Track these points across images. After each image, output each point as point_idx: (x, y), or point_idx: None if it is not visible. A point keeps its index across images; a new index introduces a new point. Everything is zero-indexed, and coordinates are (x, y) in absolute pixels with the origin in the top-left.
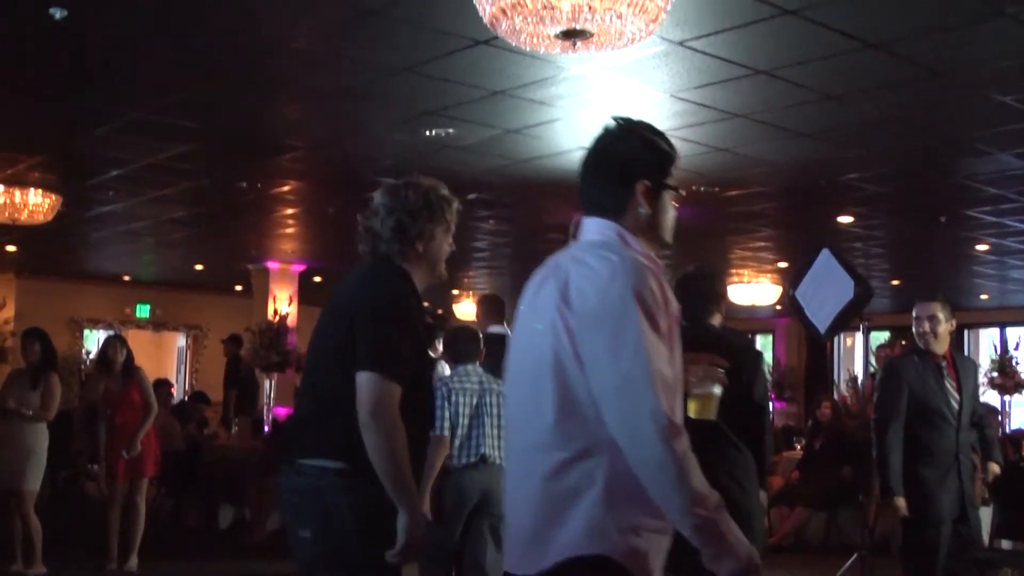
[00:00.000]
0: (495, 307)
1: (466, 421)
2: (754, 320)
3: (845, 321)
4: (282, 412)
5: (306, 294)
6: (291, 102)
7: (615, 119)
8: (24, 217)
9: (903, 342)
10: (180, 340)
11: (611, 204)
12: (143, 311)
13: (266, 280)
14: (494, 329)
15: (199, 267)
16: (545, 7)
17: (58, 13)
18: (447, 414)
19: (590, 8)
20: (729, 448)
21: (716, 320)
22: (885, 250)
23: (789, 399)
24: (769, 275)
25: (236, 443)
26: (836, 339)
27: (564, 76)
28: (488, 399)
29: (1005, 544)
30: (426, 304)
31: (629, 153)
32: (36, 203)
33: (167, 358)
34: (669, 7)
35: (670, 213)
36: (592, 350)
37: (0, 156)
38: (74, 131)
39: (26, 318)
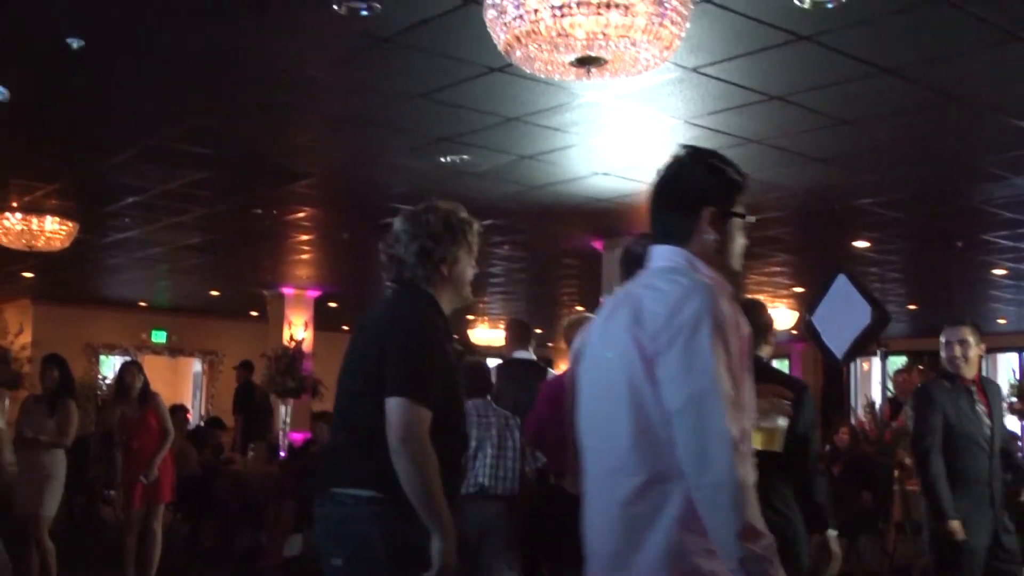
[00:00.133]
0: (521, 332)
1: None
2: None
3: (862, 346)
4: (298, 437)
5: (321, 320)
6: (306, 129)
7: (682, 147)
8: (41, 244)
9: (920, 367)
10: (196, 365)
11: (678, 231)
12: (159, 337)
13: (281, 306)
14: (520, 354)
15: (215, 293)
16: (560, 35)
17: (75, 43)
18: None
19: (604, 35)
20: (774, 479)
21: (765, 351)
22: (901, 275)
23: None
24: (785, 300)
25: (251, 468)
26: (852, 364)
27: (578, 103)
28: (489, 431)
29: None
30: None
31: (695, 180)
32: (53, 230)
33: (183, 383)
34: (683, 34)
35: (738, 240)
36: (665, 369)
37: (18, 184)
38: (91, 159)
39: (43, 344)
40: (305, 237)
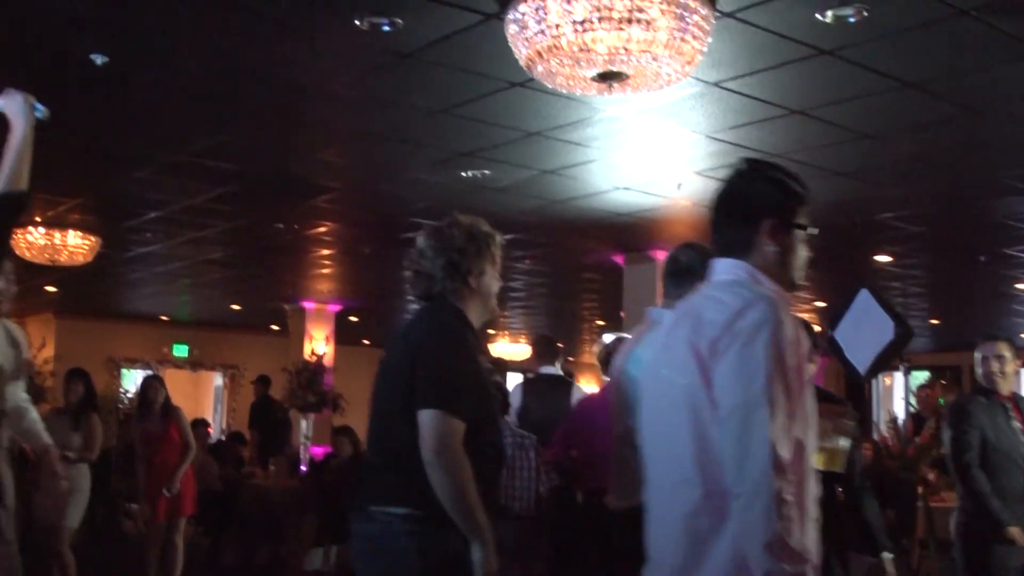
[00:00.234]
0: (548, 347)
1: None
2: None
3: (885, 362)
4: (319, 452)
5: (342, 334)
6: (328, 144)
7: (743, 160)
8: (64, 258)
9: (943, 382)
10: (217, 379)
11: (739, 244)
12: (180, 351)
13: (302, 320)
14: (547, 369)
15: (236, 307)
16: (581, 50)
17: (99, 59)
18: None
19: (626, 50)
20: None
21: (810, 370)
22: (924, 289)
23: None
24: (806, 315)
25: (272, 483)
26: (874, 379)
27: (599, 117)
28: (507, 452)
29: None
30: None
31: (755, 192)
32: (75, 244)
33: (204, 397)
34: (705, 48)
35: (800, 252)
36: (718, 375)
37: (41, 198)
38: (114, 174)
39: (65, 358)
40: (326, 251)
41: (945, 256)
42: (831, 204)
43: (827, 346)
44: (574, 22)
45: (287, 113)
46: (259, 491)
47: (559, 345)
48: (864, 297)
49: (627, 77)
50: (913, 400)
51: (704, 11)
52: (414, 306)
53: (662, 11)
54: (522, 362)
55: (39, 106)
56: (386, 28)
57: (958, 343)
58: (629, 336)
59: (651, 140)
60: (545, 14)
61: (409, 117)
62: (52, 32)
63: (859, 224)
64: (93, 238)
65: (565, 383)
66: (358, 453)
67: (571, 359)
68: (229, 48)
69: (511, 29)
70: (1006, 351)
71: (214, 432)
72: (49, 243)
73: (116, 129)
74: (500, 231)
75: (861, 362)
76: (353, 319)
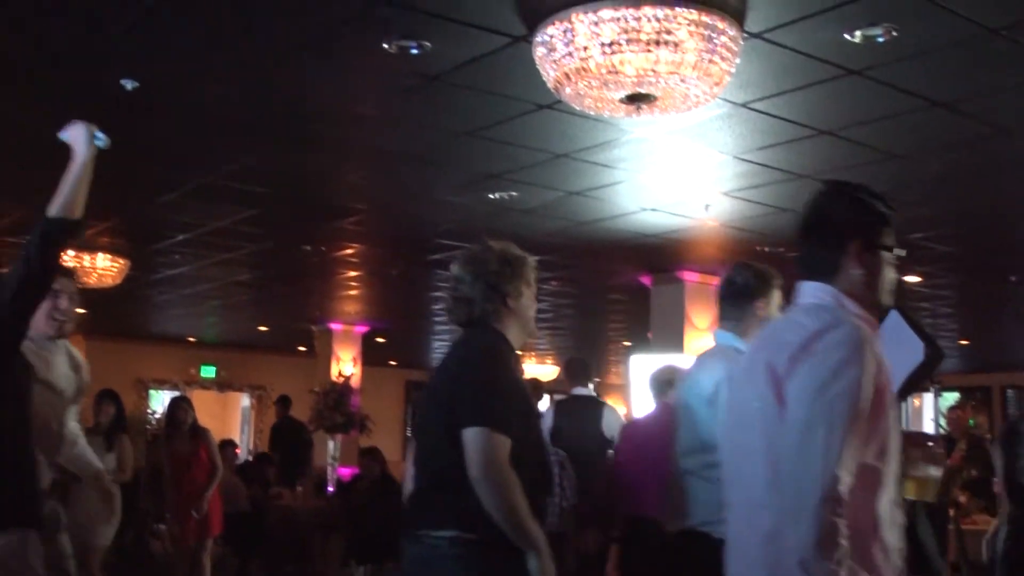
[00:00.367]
0: (581, 369)
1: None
2: None
3: (916, 384)
4: (346, 473)
5: (369, 355)
6: (355, 166)
7: (826, 182)
8: (93, 281)
9: (973, 403)
10: (244, 400)
11: (825, 266)
12: (208, 372)
13: (329, 341)
14: (579, 391)
15: (263, 328)
16: (609, 72)
17: (129, 84)
18: None
19: (654, 72)
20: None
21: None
22: (953, 310)
23: None
24: None
25: (300, 503)
26: (904, 401)
27: (627, 139)
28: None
29: None
30: None
31: (840, 214)
32: (104, 267)
33: (232, 418)
34: (733, 70)
35: (887, 274)
36: (790, 391)
37: None
38: (142, 197)
39: (94, 379)
40: (353, 273)
41: (975, 276)
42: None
43: None
44: (602, 44)
45: (314, 136)
46: (286, 512)
47: (591, 366)
48: (894, 318)
49: (655, 99)
50: (943, 422)
51: (732, 32)
52: (441, 327)
53: (690, 33)
54: (550, 382)
55: (100, 135)
56: (414, 51)
57: (988, 364)
58: (682, 361)
59: (678, 161)
60: (573, 36)
61: (436, 139)
62: (84, 58)
63: None
64: (122, 261)
65: (596, 403)
66: (386, 474)
67: (597, 379)
68: (257, 72)
69: (539, 51)
70: None
71: (241, 453)
72: (78, 266)
73: (145, 153)
74: (527, 252)
75: (892, 384)
76: (380, 340)
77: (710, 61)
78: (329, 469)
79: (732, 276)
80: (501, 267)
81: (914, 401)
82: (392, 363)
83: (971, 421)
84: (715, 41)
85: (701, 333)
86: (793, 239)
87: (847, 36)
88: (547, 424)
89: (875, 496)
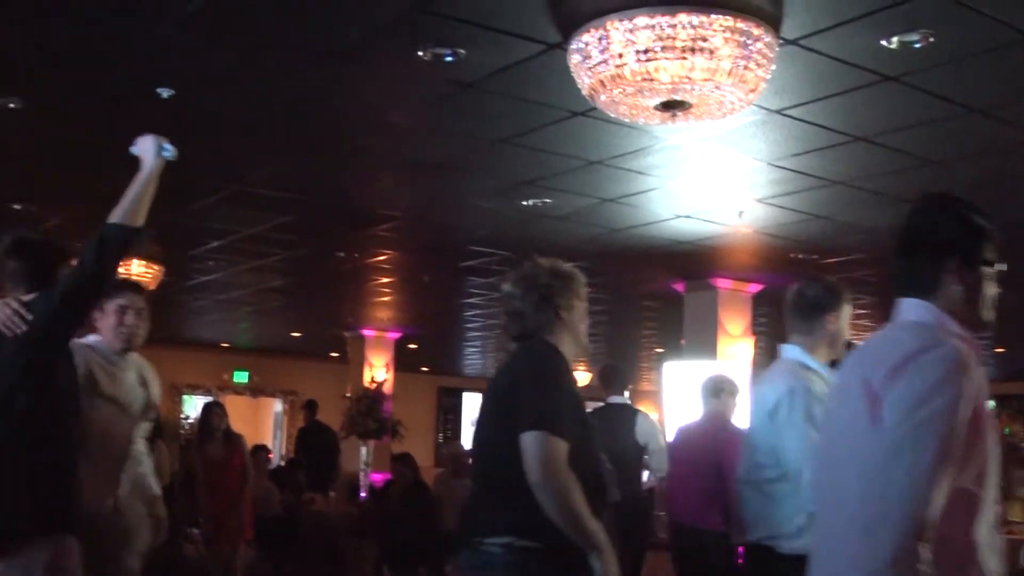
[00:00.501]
0: (615, 377)
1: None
2: None
3: None
4: (378, 478)
5: (402, 361)
6: (388, 174)
7: (925, 195)
8: None
9: (1009, 411)
10: (277, 406)
11: (924, 282)
12: (241, 377)
13: (362, 347)
14: (614, 399)
15: (296, 334)
16: (644, 79)
17: (165, 92)
18: None
19: (689, 79)
20: None
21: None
22: None
23: None
24: None
25: (332, 508)
26: None
27: (661, 146)
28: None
29: None
30: None
31: (939, 228)
32: (139, 273)
33: (264, 423)
34: (768, 76)
35: (989, 290)
36: (886, 409)
37: None
38: (176, 204)
39: None
40: (386, 280)
41: (1010, 283)
42: (894, 231)
43: None
44: (637, 51)
45: (348, 143)
46: (319, 517)
47: (626, 374)
48: None
49: (690, 106)
50: None
51: (767, 39)
52: (474, 334)
53: (725, 40)
54: (583, 388)
55: (168, 147)
56: (449, 59)
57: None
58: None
59: (712, 168)
60: (608, 43)
61: (470, 146)
62: (121, 68)
63: None
64: (156, 267)
65: (631, 411)
66: (418, 480)
67: (630, 386)
68: (292, 80)
69: (574, 59)
70: None
71: (274, 458)
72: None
73: (179, 160)
74: (561, 259)
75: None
76: (412, 347)
77: (745, 68)
78: (361, 475)
79: (803, 289)
80: (552, 280)
81: None
82: (424, 369)
83: (1007, 430)
84: (750, 48)
85: (734, 340)
86: (889, 255)
87: (883, 42)
88: None
89: (973, 521)
